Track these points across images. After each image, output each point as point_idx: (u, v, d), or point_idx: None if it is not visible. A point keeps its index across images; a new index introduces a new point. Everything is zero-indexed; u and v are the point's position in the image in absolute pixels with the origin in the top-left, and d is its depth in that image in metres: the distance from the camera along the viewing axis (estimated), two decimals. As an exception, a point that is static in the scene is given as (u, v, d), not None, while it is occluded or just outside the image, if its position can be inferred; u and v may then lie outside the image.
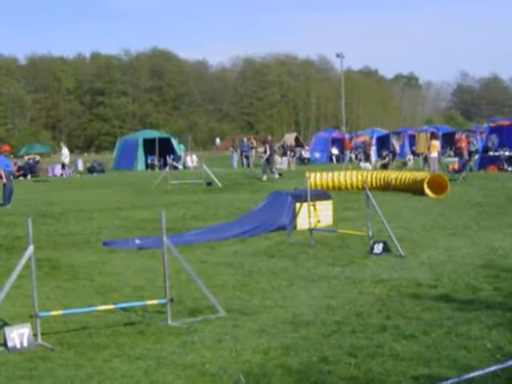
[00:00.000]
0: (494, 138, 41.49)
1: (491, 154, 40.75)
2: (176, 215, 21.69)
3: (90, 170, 53.05)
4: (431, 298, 10.36)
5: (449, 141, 58.00)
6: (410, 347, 7.97)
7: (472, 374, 6.95)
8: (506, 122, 42.99)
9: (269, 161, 38.42)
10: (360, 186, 27.50)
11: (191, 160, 57.61)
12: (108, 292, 11.56)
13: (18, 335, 8.53)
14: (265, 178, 36.96)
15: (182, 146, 61.15)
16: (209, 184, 34.22)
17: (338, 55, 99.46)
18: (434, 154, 32.76)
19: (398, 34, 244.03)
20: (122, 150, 58.71)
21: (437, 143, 34.26)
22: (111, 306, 9.86)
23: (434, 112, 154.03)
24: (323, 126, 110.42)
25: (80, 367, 7.71)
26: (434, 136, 35.25)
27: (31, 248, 8.77)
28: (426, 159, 34.83)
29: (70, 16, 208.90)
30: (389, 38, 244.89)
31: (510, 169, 38.63)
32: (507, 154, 39.92)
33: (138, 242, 16.25)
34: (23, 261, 8.77)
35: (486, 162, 40.10)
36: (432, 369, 7.24)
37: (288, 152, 53.52)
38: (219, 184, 33.92)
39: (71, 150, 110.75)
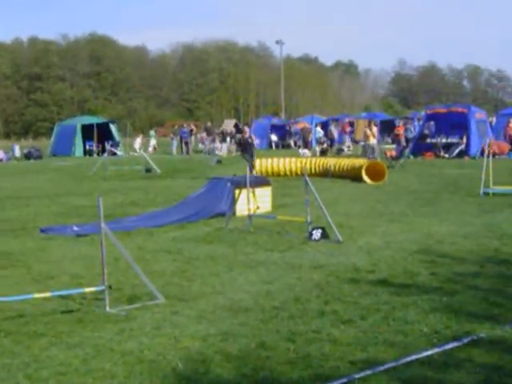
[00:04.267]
0: (431, 126, 42.02)
1: (428, 140, 41.28)
2: (114, 201, 21.54)
3: (27, 156, 52.40)
4: (369, 283, 10.46)
5: (387, 128, 58.55)
6: (347, 332, 8.04)
7: (409, 358, 7.07)
8: (442, 110, 43.60)
9: None
10: (299, 173, 27.64)
11: (139, 143, 57.22)
12: (45, 279, 11.43)
13: (-47, 324, 8.41)
14: None
15: (153, 133, 61.28)
16: (148, 170, 34.06)
17: (277, 42, 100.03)
18: (374, 141, 33.07)
19: (337, 22, 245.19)
20: (59, 136, 57.95)
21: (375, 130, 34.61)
22: (48, 294, 9.74)
23: (373, 99, 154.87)
24: (263, 113, 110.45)
25: (16, 355, 7.62)
26: (374, 124, 35.57)
27: (-34, 235, 8.64)
28: (366, 147, 34.99)
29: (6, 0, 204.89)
30: (329, 25, 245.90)
31: (446, 155, 39.17)
32: (444, 141, 40.49)
33: (75, 228, 16.10)
34: (-43, 248, 8.64)
35: (423, 148, 40.59)
36: (369, 353, 7.32)
37: (228, 138, 53.47)
38: (158, 170, 33.76)
39: (8, 136, 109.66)
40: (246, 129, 30.20)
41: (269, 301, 9.55)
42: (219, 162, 40.16)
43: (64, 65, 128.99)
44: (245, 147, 27.65)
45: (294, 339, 7.84)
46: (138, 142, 57.56)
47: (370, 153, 32.98)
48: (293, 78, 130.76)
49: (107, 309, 9.29)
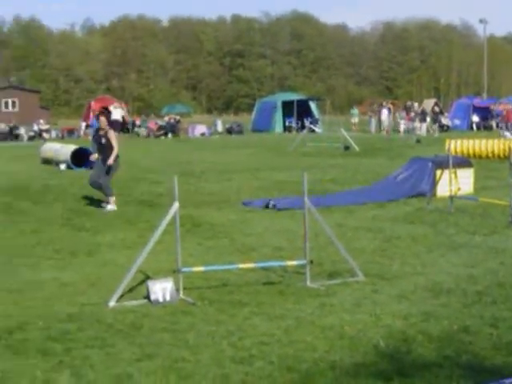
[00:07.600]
0: None
1: None
2: (313, 178, 21.57)
3: (229, 131, 53.85)
4: None
5: None
6: (555, 321, 7.76)
7: None
8: None
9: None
10: (502, 155, 26.79)
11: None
12: (248, 251, 11.73)
13: (161, 289, 8.77)
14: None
15: (355, 111, 61.08)
16: (346, 148, 34.06)
17: (481, 21, 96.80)
18: None
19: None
20: (260, 112, 59.03)
21: None
22: (252, 265, 9.99)
23: None
24: (464, 93, 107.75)
25: (221, 323, 7.86)
26: None
27: (176, 205, 8.95)
28: None
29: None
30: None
31: None
32: None
33: (276, 202, 16.36)
34: (168, 217, 8.97)
35: None
36: None
37: (428, 118, 52.46)
38: (357, 148, 33.71)
39: (210, 111, 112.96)
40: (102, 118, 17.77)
41: (471, 285, 9.35)
42: (418, 141, 39.63)
43: (265, 42, 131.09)
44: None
45: (497, 325, 7.64)
46: (385, 113, 56.31)
47: None
48: (496, 58, 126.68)
49: (308, 283, 9.40)
